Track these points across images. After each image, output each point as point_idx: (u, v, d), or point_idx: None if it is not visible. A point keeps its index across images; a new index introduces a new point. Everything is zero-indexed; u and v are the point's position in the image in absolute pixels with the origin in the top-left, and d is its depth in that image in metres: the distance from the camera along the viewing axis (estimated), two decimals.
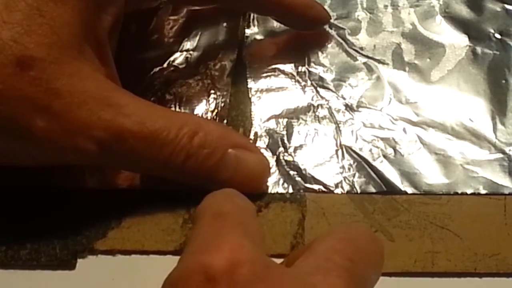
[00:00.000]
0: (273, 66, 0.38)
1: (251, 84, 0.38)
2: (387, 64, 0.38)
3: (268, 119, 0.36)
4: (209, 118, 0.36)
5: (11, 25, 0.25)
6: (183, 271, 0.22)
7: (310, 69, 0.38)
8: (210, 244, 0.22)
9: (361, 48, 0.39)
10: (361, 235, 0.25)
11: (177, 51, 0.39)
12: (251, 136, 0.35)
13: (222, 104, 0.37)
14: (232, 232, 0.23)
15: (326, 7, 0.41)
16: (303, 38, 0.39)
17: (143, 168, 0.31)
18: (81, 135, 0.27)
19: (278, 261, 0.25)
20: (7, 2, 0.25)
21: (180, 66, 0.38)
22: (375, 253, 0.25)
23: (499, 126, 0.35)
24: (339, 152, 0.35)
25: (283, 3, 0.36)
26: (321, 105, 0.37)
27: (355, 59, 0.38)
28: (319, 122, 0.36)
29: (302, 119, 0.36)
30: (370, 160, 0.34)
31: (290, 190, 0.33)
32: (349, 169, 0.34)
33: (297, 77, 0.38)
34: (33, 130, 0.26)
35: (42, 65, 0.26)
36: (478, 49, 0.39)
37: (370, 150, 0.35)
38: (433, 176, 0.33)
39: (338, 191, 0.33)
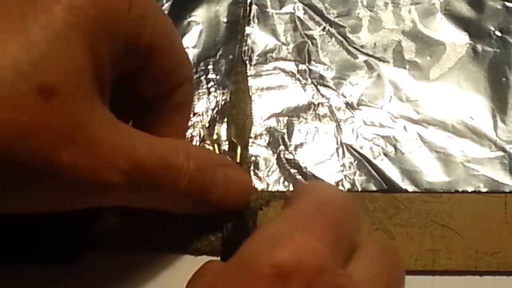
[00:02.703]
0: (274, 64, 0.38)
1: (251, 82, 0.38)
2: (388, 62, 0.38)
3: (269, 117, 0.36)
4: (209, 116, 0.36)
5: (29, 47, 0.23)
6: (252, 261, 0.22)
7: (310, 67, 0.38)
8: (283, 238, 0.22)
9: (362, 46, 0.39)
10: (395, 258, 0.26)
11: None
12: (252, 135, 0.35)
13: (223, 102, 0.37)
14: (311, 231, 0.23)
15: (326, 4, 0.41)
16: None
17: (159, 202, 0.30)
18: (108, 167, 0.25)
19: None
20: (21, 26, 0.24)
21: None
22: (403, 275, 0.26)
23: (500, 124, 0.35)
24: (340, 150, 0.35)
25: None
26: (322, 103, 0.37)
27: (356, 57, 0.38)
28: (320, 120, 0.36)
29: (303, 117, 0.36)
30: (371, 158, 0.34)
31: (291, 188, 0.33)
32: (349, 167, 0.34)
33: (298, 75, 0.38)
34: (60, 166, 0.24)
35: (64, 94, 0.24)
36: (479, 47, 0.39)
37: (371, 148, 0.35)
38: (433, 174, 0.33)
39: None
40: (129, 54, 0.28)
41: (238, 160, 0.34)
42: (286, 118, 0.36)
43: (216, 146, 0.35)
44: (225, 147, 0.35)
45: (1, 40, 0.23)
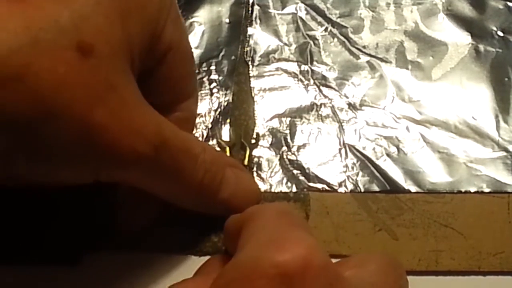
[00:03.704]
0: (276, 65, 0.38)
1: (254, 83, 0.38)
2: (390, 62, 0.38)
3: (271, 118, 0.36)
4: (212, 117, 0.36)
5: (70, 8, 0.24)
6: (253, 263, 0.22)
7: (313, 67, 0.38)
8: (283, 239, 0.22)
9: (364, 47, 0.39)
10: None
11: None
12: (254, 135, 0.35)
13: (225, 103, 0.37)
14: (302, 231, 0.23)
15: (328, 5, 0.41)
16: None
17: (173, 189, 0.29)
18: (138, 136, 0.25)
19: None
20: None
21: None
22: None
23: (502, 124, 0.35)
24: (343, 151, 0.35)
25: None
26: (324, 104, 0.37)
27: (358, 58, 0.38)
28: (322, 121, 0.36)
29: (305, 118, 0.36)
30: (374, 159, 0.34)
31: (294, 189, 0.33)
32: (352, 168, 0.34)
33: (300, 76, 0.38)
34: (92, 127, 0.24)
35: (100, 55, 0.24)
36: (481, 47, 0.39)
37: (374, 149, 0.35)
38: (436, 174, 0.34)
39: (342, 190, 0.33)
40: (151, 50, 0.28)
41: (246, 162, 0.34)
42: (289, 119, 0.36)
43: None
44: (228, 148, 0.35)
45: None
